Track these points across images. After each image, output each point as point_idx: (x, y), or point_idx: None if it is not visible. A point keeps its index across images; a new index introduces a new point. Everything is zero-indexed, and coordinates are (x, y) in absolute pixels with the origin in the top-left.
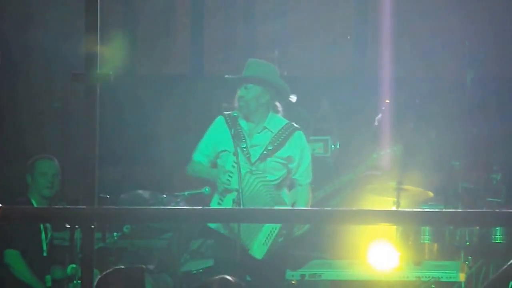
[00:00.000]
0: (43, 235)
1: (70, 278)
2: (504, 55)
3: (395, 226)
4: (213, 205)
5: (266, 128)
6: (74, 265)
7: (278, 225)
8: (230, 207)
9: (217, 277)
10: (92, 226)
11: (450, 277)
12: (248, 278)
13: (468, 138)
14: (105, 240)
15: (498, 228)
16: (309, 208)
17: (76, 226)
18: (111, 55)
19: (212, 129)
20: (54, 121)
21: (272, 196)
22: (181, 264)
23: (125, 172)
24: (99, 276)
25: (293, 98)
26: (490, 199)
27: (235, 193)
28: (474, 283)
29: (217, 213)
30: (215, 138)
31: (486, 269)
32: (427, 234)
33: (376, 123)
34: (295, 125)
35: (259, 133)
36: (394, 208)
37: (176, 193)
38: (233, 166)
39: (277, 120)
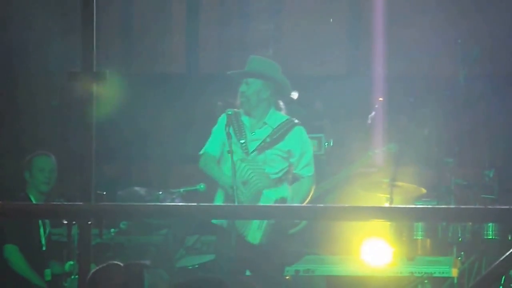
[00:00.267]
0: (41, 230)
1: (68, 274)
2: (497, 53)
3: (388, 222)
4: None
5: (266, 123)
6: (72, 262)
7: None
8: (224, 204)
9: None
10: (89, 222)
11: (443, 273)
12: (247, 273)
13: (461, 135)
14: (102, 236)
15: (490, 224)
16: (302, 205)
17: (73, 222)
18: (107, 54)
19: (217, 126)
20: (53, 119)
21: (264, 185)
22: (176, 259)
23: (122, 169)
24: (96, 268)
25: (295, 95)
26: (483, 195)
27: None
28: (466, 279)
29: (211, 209)
30: (219, 135)
31: (478, 265)
32: (420, 230)
33: (369, 121)
34: (295, 120)
35: (259, 128)
36: (387, 205)
37: (172, 190)
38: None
39: (278, 116)
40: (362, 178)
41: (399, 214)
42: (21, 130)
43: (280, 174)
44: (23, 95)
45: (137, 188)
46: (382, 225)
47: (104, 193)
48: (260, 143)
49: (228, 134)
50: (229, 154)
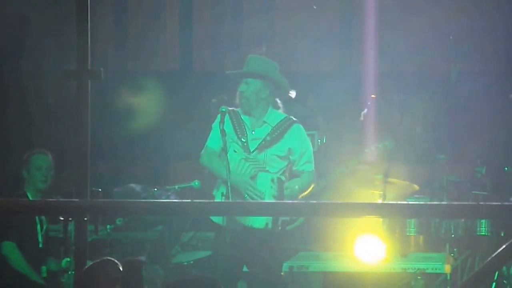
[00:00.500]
0: (38, 227)
1: (65, 270)
2: (489, 49)
3: (381, 219)
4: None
5: (266, 122)
6: (69, 259)
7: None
8: (218, 201)
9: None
10: (85, 219)
11: (436, 269)
12: (245, 269)
13: (454, 132)
14: (98, 232)
15: (483, 221)
16: (296, 201)
17: (70, 219)
18: (102, 52)
19: (216, 122)
20: (49, 117)
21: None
22: (172, 255)
23: (118, 166)
24: (90, 263)
25: (293, 94)
26: (475, 192)
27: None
28: (459, 275)
29: (206, 206)
30: (217, 131)
31: (471, 261)
32: (412, 227)
33: (362, 118)
34: (293, 118)
35: (259, 127)
36: (380, 201)
37: (167, 187)
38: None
39: (276, 115)
40: (355, 175)
41: (392, 210)
42: (18, 129)
43: (278, 174)
44: (19, 93)
45: (132, 185)
46: (375, 222)
47: (100, 190)
48: (261, 142)
49: (222, 131)
50: (235, 152)
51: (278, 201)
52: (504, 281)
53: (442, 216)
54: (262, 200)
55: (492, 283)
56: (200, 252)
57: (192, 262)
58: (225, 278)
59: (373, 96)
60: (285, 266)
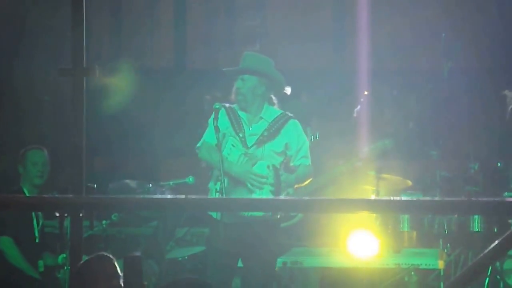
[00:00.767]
0: (34, 222)
1: (61, 266)
2: (480, 46)
3: (374, 215)
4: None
5: (263, 118)
6: (65, 255)
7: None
8: (213, 197)
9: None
10: (81, 215)
11: (429, 264)
12: (240, 264)
13: (446, 128)
14: (93, 227)
15: (476, 217)
16: (290, 198)
17: (66, 215)
18: (96, 50)
19: (210, 119)
20: (45, 114)
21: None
22: (167, 251)
23: (113, 162)
24: (85, 259)
25: (288, 90)
26: (468, 187)
27: (218, 183)
28: (453, 270)
29: (200, 202)
30: (211, 128)
31: (464, 257)
32: (406, 222)
33: (355, 114)
34: (289, 114)
35: (256, 123)
36: (373, 197)
37: (162, 183)
38: (230, 151)
39: (272, 111)
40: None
41: (385, 206)
42: (14, 125)
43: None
44: (15, 90)
45: (127, 181)
46: (368, 218)
47: (95, 185)
48: (259, 137)
49: (216, 128)
50: (233, 146)
51: (272, 197)
52: (497, 276)
53: (435, 212)
54: (265, 187)
55: (486, 278)
56: (194, 247)
57: (186, 257)
58: (219, 273)
59: (365, 93)
60: (279, 261)
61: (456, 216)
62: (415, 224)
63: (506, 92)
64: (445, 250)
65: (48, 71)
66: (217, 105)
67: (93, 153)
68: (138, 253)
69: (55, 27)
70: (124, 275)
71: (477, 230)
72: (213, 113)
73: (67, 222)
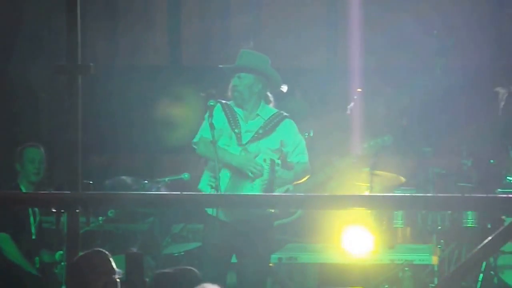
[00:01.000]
0: (31, 219)
1: (59, 262)
2: (473, 43)
3: (368, 211)
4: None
5: (259, 115)
6: (62, 252)
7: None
8: (208, 193)
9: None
10: (77, 211)
11: (423, 260)
12: (234, 260)
13: (440, 125)
14: (89, 223)
15: (469, 212)
16: (285, 194)
17: (62, 211)
18: (91, 47)
19: (206, 117)
20: (41, 111)
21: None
22: (163, 247)
23: (109, 159)
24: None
25: (284, 88)
26: (461, 184)
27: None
28: (446, 266)
29: (195, 198)
30: (206, 125)
31: (458, 252)
32: (400, 218)
33: (348, 112)
34: (284, 113)
35: (252, 120)
36: (367, 193)
37: (157, 179)
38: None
39: (267, 109)
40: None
41: (379, 202)
42: (10, 123)
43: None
44: (12, 88)
45: (123, 178)
46: (362, 214)
47: (91, 182)
48: (254, 134)
49: (211, 125)
50: (229, 144)
51: (268, 194)
52: (491, 272)
53: (428, 208)
54: (256, 180)
55: (479, 274)
56: (190, 243)
57: (182, 253)
58: (214, 268)
59: (359, 90)
60: (274, 257)
61: (449, 212)
62: (409, 220)
63: (499, 89)
64: (439, 246)
65: (44, 68)
66: (211, 102)
67: (89, 150)
68: (134, 249)
69: (52, 23)
70: (126, 272)
71: (470, 226)
72: (208, 110)
73: (64, 218)
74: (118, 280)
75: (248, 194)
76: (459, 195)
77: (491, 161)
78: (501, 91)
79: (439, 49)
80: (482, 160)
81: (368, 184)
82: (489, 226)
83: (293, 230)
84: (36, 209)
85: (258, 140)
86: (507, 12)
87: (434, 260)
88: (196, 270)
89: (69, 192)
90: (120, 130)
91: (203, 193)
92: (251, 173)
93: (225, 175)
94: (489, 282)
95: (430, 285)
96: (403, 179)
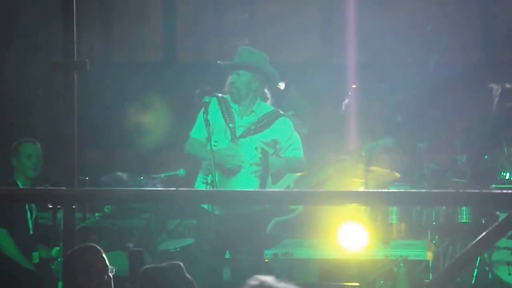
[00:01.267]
0: (28, 214)
1: (55, 258)
2: (467, 39)
3: (363, 207)
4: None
5: (254, 112)
6: (58, 248)
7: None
8: (203, 189)
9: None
10: (73, 206)
11: (418, 256)
12: (227, 256)
13: (433, 121)
14: (86, 219)
15: (464, 208)
16: (280, 190)
17: (58, 207)
18: (87, 44)
19: (200, 113)
20: (38, 107)
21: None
22: (159, 242)
23: (105, 155)
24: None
25: (281, 85)
26: (456, 180)
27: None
28: (441, 262)
29: (190, 194)
30: (201, 122)
31: (453, 248)
32: (394, 214)
33: (343, 108)
34: (280, 111)
35: (247, 116)
36: (362, 189)
37: (153, 175)
38: (216, 143)
39: (264, 106)
40: (338, 164)
41: (374, 198)
42: (5, 118)
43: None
44: (8, 84)
45: (119, 174)
46: (357, 210)
47: (87, 178)
48: (245, 130)
49: (206, 122)
50: (222, 137)
51: (263, 190)
52: (486, 267)
53: (423, 204)
54: (251, 167)
55: (474, 270)
56: (186, 239)
57: (178, 249)
58: (208, 263)
59: (353, 86)
60: (270, 253)
61: (444, 208)
62: (403, 216)
63: (493, 85)
64: (434, 242)
65: (40, 64)
66: (206, 99)
67: (85, 146)
68: (131, 245)
69: (48, 20)
70: (129, 269)
71: (465, 221)
72: (203, 107)
73: (60, 214)
74: (111, 276)
75: (244, 190)
76: (454, 191)
77: (485, 156)
78: (495, 87)
79: (432, 45)
80: (477, 156)
81: (363, 180)
82: (483, 221)
83: (289, 226)
84: (33, 205)
85: (250, 136)
86: (499, 7)
87: (429, 255)
88: (182, 265)
89: (65, 188)
90: (116, 127)
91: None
92: (229, 165)
93: (217, 175)
94: (484, 277)
95: (425, 280)
96: (397, 175)
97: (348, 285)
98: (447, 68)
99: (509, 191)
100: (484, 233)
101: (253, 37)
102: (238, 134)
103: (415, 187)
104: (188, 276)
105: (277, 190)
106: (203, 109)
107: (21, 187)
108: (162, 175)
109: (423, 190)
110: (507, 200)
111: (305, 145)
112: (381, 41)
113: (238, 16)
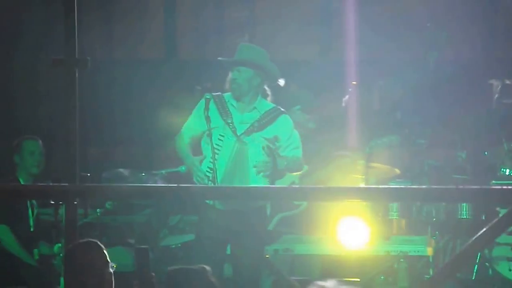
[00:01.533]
0: (30, 211)
1: (57, 254)
2: (467, 35)
3: (364, 203)
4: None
5: (256, 108)
6: (60, 244)
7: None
8: (203, 186)
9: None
10: (75, 202)
11: (418, 251)
12: (228, 252)
13: (434, 117)
14: (87, 215)
15: (464, 204)
16: (281, 186)
17: (60, 203)
18: (89, 40)
19: (198, 108)
20: (39, 104)
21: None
22: (160, 239)
23: (106, 151)
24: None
25: (281, 82)
26: (456, 176)
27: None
28: (441, 257)
29: (192, 190)
30: (200, 117)
31: (453, 244)
32: (395, 210)
33: (343, 104)
34: (281, 109)
35: (249, 112)
36: (362, 185)
37: (154, 172)
38: (219, 139)
39: (264, 103)
40: (339, 160)
41: (375, 194)
42: (6, 115)
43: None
44: (10, 80)
45: (120, 170)
46: (358, 206)
47: (88, 174)
48: (249, 127)
49: (207, 118)
50: (224, 136)
51: (263, 186)
52: (486, 263)
53: (423, 200)
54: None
55: (474, 265)
56: (187, 235)
57: (179, 245)
58: (209, 259)
59: (354, 83)
60: (270, 249)
61: (444, 203)
62: (404, 212)
63: (493, 81)
64: (434, 237)
65: (41, 61)
66: (207, 95)
67: (86, 142)
68: (132, 241)
69: (49, 17)
70: (135, 267)
71: (465, 217)
72: (203, 102)
73: (62, 210)
74: (112, 271)
75: (244, 186)
76: (454, 187)
77: (485, 153)
78: (495, 83)
79: (432, 42)
80: (477, 152)
81: (363, 176)
82: (483, 217)
83: (289, 222)
84: (34, 201)
85: (254, 133)
86: (499, 3)
87: (429, 251)
88: (207, 268)
89: (67, 184)
90: (117, 123)
91: (200, 185)
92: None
93: (221, 165)
94: (484, 273)
95: (425, 276)
96: (398, 171)
97: (348, 281)
98: (447, 64)
99: (509, 187)
100: (484, 229)
101: (253, 33)
102: (241, 131)
103: (415, 183)
104: (213, 279)
105: (278, 186)
106: (201, 105)
107: (23, 183)
108: (163, 172)
109: (423, 186)
110: (507, 196)
111: (311, 140)
112: (380, 38)
113: (238, 13)
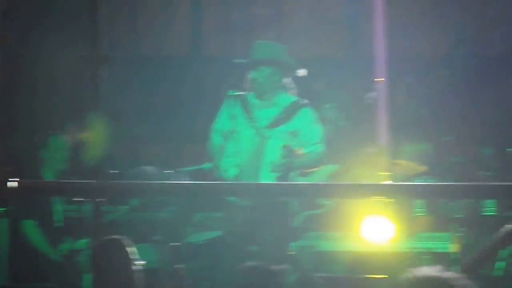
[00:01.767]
0: (56, 207)
1: (81, 250)
2: (492, 31)
3: (389, 200)
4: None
5: (276, 104)
6: (85, 240)
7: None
8: (227, 182)
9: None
10: (101, 200)
11: (443, 248)
12: (253, 248)
13: (460, 114)
14: (113, 212)
15: (489, 201)
16: (304, 182)
17: (85, 199)
18: (114, 37)
19: (224, 106)
20: (66, 101)
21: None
22: (184, 235)
23: (131, 149)
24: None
25: (301, 72)
26: (482, 172)
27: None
28: (466, 254)
29: (216, 187)
30: (226, 115)
31: (477, 241)
32: (419, 207)
33: (368, 101)
34: (303, 101)
35: (268, 108)
36: (387, 182)
37: (179, 169)
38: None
39: (286, 97)
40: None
41: (400, 191)
42: (31, 112)
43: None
44: (35, 77)
45: (146, 168)
46: (382, 203)
47: (115, 172)
48: (270, 121)
49: (232, 116)
50: (246, 131)
51: (285, 183)
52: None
53: (449, 197)
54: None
55: (498, 262)
56: (211, 232)
57: (204, 242)
58: (234, 256)
59: (380, 79)
60: (294, 246)
61: (469, 200)
62: (428, 209)
63: None
64: (459, 234)
65: (66, 57)
66: (232, 93)
67: (112, 140)
68: (157, 238)
69: (74, 13)
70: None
71: (490, 214)
72: (227, 100)
73: (86, 207)
74: (138, 268)
75: (268, 183)
76: (479, 183)
77: (509, 149)
78: None
79: (459, 37)
80: (502, 148)
81: (389, 173)
82: (508, 214)
83: (315, 219)
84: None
85: (275, 127)
86: None
87: (453, 248)
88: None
89: (94, 181)
90: (142, 121)
91: (224, 182)
92: None
93: (242, 161)
94: (507, 270)
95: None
96: (423, 168)
97: (376, 278)
98: (472, 61)
99: None
100: (506, 226)
101: (279, 30)
102: (262, 127)
103: (440, 180)
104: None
105: (301, 183)
106: (227, 102)
107: (49, 180)
108: (188, 169)
109: (449, 183)
110: None
111: (340, 138)
112: (407, 34)
113: (264, 10)
